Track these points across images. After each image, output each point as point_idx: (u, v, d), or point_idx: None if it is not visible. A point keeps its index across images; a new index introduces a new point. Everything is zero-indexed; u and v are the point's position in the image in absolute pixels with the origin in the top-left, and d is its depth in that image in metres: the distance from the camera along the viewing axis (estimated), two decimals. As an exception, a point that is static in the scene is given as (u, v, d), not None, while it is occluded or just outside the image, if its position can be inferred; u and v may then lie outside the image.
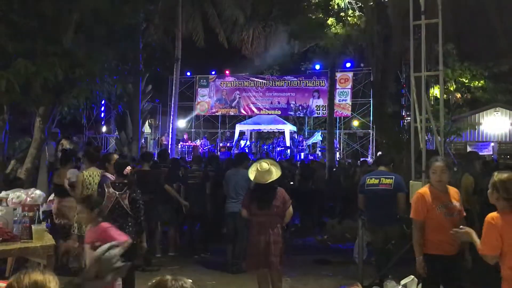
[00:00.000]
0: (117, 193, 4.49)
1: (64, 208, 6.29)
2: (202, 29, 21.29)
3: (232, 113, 23.24)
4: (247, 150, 19.15)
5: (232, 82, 22.95)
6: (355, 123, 23.14)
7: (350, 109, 21.20)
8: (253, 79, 22.68)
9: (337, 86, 20.52)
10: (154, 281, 1.85)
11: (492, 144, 18.55)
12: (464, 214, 4.16)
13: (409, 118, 9.55)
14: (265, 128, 21.84)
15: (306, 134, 22.16)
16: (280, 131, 21.17)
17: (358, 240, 6.35)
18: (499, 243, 2.97)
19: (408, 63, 6.52)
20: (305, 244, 8.90)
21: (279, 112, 22.02)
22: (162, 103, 23.18)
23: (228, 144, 20.76)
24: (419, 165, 5.92)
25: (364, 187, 6.04)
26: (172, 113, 19.96)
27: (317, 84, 21.67)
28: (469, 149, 17.50)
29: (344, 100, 21.08)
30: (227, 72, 23.21)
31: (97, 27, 7.26)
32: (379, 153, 14.11)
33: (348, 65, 21.25)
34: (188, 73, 23.46)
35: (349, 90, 21.14)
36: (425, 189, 4.17)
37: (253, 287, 5.19)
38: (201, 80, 23.25)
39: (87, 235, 4.07)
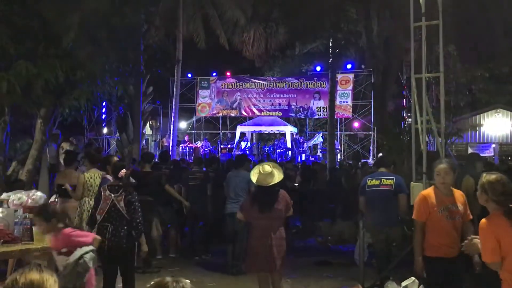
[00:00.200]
0: (113, 195, 4.49)
1: (68, 209, 6.28)
2: (203, 31, 21.31)
3: (233, 115, 23.25)
4: (247, 152, 19.16)
5: (233, 83, 22.96)
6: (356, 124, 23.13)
7: (351, 110, 21.21)
8: (254, 80, 22.69)
9: (338, 88, 20.52)
10: (153, 282, 1.84)
11: (493, 145, 18.53)
12: (471, 217, 4.12)
13: (410, 120, 9.55)
14: (266, 129, 21.85)
15: (307, 135, 22.16)
16: (281, 132, 21.18)
17: (359, 242, 6.34)
18: (498, 248, 2.86)
19: (409, 64, 6.53)
20: (305, 246, 8.89)
21: (280, 114, 22.03)
22: (163, 105, 23.20)
23: (229, 146, 20.76)
24: (420, 166, 5.92)
25: (365, 188, 6.04)
26: (173, 115, 19.98)
27: (318, 86, 21.68)
28: (470, 150, 17.47)
29: (345, 101, 21.08)
30: (228, 73, 23.23)
31: (98, 28, 7.27)
32: (380, 154, 14.11)
33: (349, 66, 21.27)
34: (189, 75, 23.48)
35: (350, 91, 21.15)
36: (428, 191, 4.17)
37: (253, 289, 5.19)
38: (202, 82, 23.27)
39: (52, 242, 3.99)
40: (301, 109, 21.78)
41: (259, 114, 22.27)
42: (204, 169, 8.25)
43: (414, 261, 4.17)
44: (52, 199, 6.89)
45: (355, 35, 16.95)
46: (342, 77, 21.00)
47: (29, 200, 4.80)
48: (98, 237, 4.19)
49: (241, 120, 22.91)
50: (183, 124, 23.86)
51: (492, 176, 3.03)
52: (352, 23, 15.70)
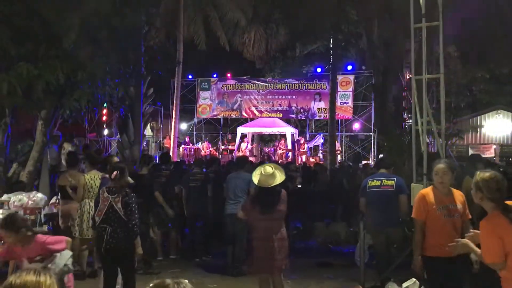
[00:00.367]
0: (111, 197, 4.49)
1: (71, 210, 6.29)
2: (203, 32, 21.34)
3: (233, 116, 23.26)
4: (248, 153, 19.16)
5: (234, 85, 22.97)
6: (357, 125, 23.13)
7: (351, 111, 21.21)
8: (255, 82, 22.69)
9: (339, 89, 20.52)
10: (152, 284, 1.82)
11: (494, 146, 18.52)
12: (470, 217, 4.14)
13: (410, 121, 9.55)
14: (266, 131, 21.86)
15: (307, 136, 22.15)
16: (282, 133, 21.18)
17: (359, 243, 6.34)
18: (501, 248, 2.82)
19: (409, 65, 6.53)
20: (306, 247, 8.88)
21: (281, 115, 22.03)
22: (164, 106, 23.21)
23: (229, 147, 20.77)
24: (420, 167, 5.92)
25: (365, 189, 6.06)
26: (173, 116, 19.99)
27: (318, 87, 21.67)
28: (471, 151, 17.48)
29: (345, 102, 21.08)
30: (228, 75, 23.23)
31: (99, 30, 7.28)
32: (381, 155, 14.10)
33: (349, 67, 21.27)
34: (190, 76, 23.49)
35: (351, 92, 21.14)
36: (427, 190, 4.22)
37: (254, 290, 5.18)
38: (203, 83, 23.28)
39: (23, 251, 3.82)
40: (301, 110, 21.78)
41: (259, 115, 22.28)
42: (204, 170, 8.26)
43: (413, 260, 4.19)
44: (53, 200, 6.90)
45: (356, 36, 16.98)
46: (342, 78, 21.00)
47: (30, 202, 4.81)
48: (69, 239, 4.20)
49: (242, 122, 22.91)
50: (183, 126, 23.87)
51: (486, 174, 3.01)
52: (352, 24, 15.74)
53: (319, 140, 21.40)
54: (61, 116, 8.10)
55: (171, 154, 17.75)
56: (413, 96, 6.01)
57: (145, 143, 19.18)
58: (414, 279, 5.01)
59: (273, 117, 21.85)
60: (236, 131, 21.43)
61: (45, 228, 5.02)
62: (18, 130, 9.87)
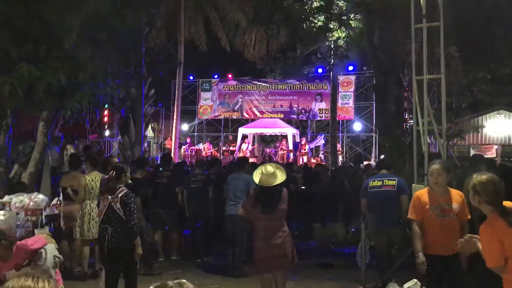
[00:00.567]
0: (110, 197, 4.50)
1: (73, 212, 6.30)
2: (204, 33, 21.36)
3: (234, 117, 23.27)
4: (248, 154, 19.16)
5: (235, 85, 22.98)
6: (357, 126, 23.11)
7: (352, 112, 21.20)
8: (256, 82, 22.70)
9: (340, 90, 20.53)
10: (152, 287, 1.80)
11: (496, 146, 18.49)
12: (469, 217, 4.14)
13: (412, 121, 9.55)
14: (267, 131, 21.86)
15: (309, 137, 22.15)
16: (283, 134, 21.18)
17: (360, 244, 6.34)
18: (501, 251, 2.80)
19: (410, 66, 6.53)
20: (307, 248, 8.87)
21: (282, 116, 22.03)
22: (165, 107, 23.23)
23: (231, 148, 20.78)
24: (421, 168, 5.92)
25: (367, 190, 6.07)
26: (175, 117, 20.00)
27: (319, 88, 21.67)
28: (472, 152, 17.46)
29: (346, 103, 21.07)
30: (229, 75, 23.25)
31: (100, 31, 7.28)
32: (382, 156, 14.08)
33: (350, 68, 21.25)
34: (191, 77, 23.51)
35: (352, 93, 21.13)
36: (422, 191, 4.30)
37: (255, 291, 5.18)
38: (204, 84, 23.29)
39: (6, 265, 3.65)
40: (302, 111, 21.78)
41: (260, 116, 22.29)
42: (205, 171, 8.27)
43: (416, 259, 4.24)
44: (54, 201, 6.90)
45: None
46: (343, 79, 21.00)
47: (31, 203, 4.81)
48: (45, 234, 4.18)
49: (243, 122, 22.92)
50: (185, 127, 23.88)
51: (483, 177, 2.96)
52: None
53: (320, 141, 21.40)
54: (63, 117, 8.10)
55: (172, 155, 17.78)
56: (414, 96, 6.01)
57: (146, 144, 19.19)
58: (415, 280, 5.00)
59: (274, 117, 21.86)
60: (237, 132, 21.43)
61: (47, 229, 5.01)
62: (20, 131, 9.88)
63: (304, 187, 10.85)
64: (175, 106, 20.03)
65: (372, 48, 12.72)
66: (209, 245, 7.94)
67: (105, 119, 20.34)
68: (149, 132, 21.49)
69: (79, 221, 6.12)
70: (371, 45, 12.78)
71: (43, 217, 5.05)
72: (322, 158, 20.13)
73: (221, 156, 19.68)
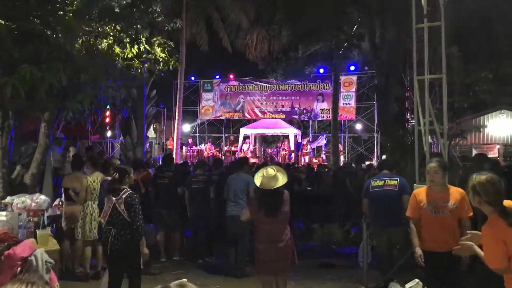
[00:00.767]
0: (114, 198, 4.50)
1: (75, 212, 6.31)
2: (206, 34, 21.38)
3: (236, 117, 23.29)
4: (250, 154, 19.17)
5: (236, 86, 23.00)
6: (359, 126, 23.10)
7: (354, 112, 21.18)
8: (257, 83, 22.71)
9: (341, 90, 20.52)
10: None
11: (498, 146, 18.47)
12: (469, 215, 4.15)
13: (413, 121, 9.54)
14: (269, 132, 21.87)
15: (310, 137, 22.15)
16: (285, 135, 21.18)
17: (362, 244, 6.34)
18: (505, 252, 2.79)
19: (412, 65, 6.52)
20: (309, 248, 8.87)
21: (283, 116, 22.03)
22: (167, 108, 23.26)
23: (232, 148, 20.79)
24: (423, 168, 5.91)
25: (368, 190, 6.07)
26: (176, 118, 20.02)
27: (321, 88, 21.67)
28: (474, 151, 17.44)
29: (348, 103, 21.06)
30: (231, 76, 23.27)
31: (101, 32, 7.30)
32: (384, 156, 14.07)
33: (352, 68, 21.26)
34: (192, 78, 23.54)
35: (354, 93, 21.12)
36: (421, 189, 4.40)
37: (257, 291, 5.18)
38: (205, 85, 23.32)
39: (2, 278, 3.63)
40: (304, 111, 21.77)
41: (262, 116, 22.30)
42: (207, 172, 8.27)
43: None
44: (56, 202, 6.92)
45: (358, 37, 16.97)
46: (345, 79, 20.99)
47: (33, 204, 4.82)
48: (31, 239, 4.19)
49: (245, 123, 22.93)
50: (186, 127, 23.90)
51: (482, 177, 2.96)
52: (355, 25, 15.73)
53: (322, 141, 21.40)
54: (64, 118, 8.11)
55: (174, 155, 17.80)
56: (416, 96, 6.00)
57: (148, 144, 19.21)
58: (417, 280, 5.01)
59: (276, 118, 21.87)
60: (239, 132, 21.45)
61: (49, 230, 5.03)
62: (22, 132, 9.90)
63: (309, 188, 10.86)
64: (177, 106, 20.05)
65: (374, 48, 12.71)
66: (211, 246, 7.95)
67: (107, 120, 20.38)
68: (151, 133, 21.52)
69: (81, 222, 6.14)
70: (372, 45, 12.77)
71: (45, 218, 5.06)
72: (324, 158, 20.13)
73: (223, 157, 19.69)
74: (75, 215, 6.29)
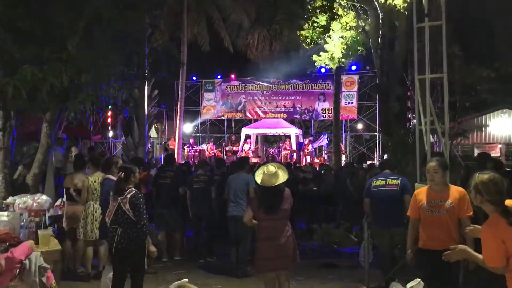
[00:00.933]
0: (119, 198, 4.51)
1: (76, 212, 6.32)
2: (207, 34, 21.41)
3: (238, 117, 23.30)
4: (251, 154, 19.17)
5: (238, 86, 23.01)
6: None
7: (356, 111, 21.18)
8: (259, 82, 22.72)
9: (343, 89, 20.51)
10: None
11: (500, 145, 18.43)
12: (468, 214, 4.16)
13: (415, 121, 9.53)
14: (271, 131, 21.87)
15: (312, 137, 22.14)
16: (286, 134, 21.18)
17: (363, 243, 6.33)
18: (503, 252, 2.80)
19: (413, 65, 6.51)
20: (310, 248, 8.86)
21: (285, 116, 22.04)
22: (168, 108, 23.29)
23: (234, 148, 20.80)
24: (424, 167, 5.90)
25: (370, 189, 6.07)
26: (178, 118, 20.03)
27: (322, 87, 21.67)
28: (476, 151, 17.41)
29: (350, 103, 21.05)
30: (232, 76, 23.28)
31: (103, 32, 7.30)
32: (385, 156, 14.04)
33: (353, 67, 21.21)
34: (194, 78, 23.56)
35: (355, 92, 21.12)
36: (422, 189, 4.45)
37: (259, 291, 5.18)
38: (207, 85, 23.34)
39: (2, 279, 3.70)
40: (306, 111, 21.78)
41: (264, 116, 22.31)
42: (209, 172, 8.27)
43: (421, 262, 4.43)
44: (58, 202, 6.93)
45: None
46: (347, 79, 20.98)
47: (34, 204, 4.83)
48: (31, 241, 4.20)
49: (246, 123, 22.94)
50: (188, 127, 23.92)
51: (485, 176, 2.96)
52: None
53: (323, 141, 21.39)
54: (66, 119, 8.13)
55: (176, 155, 17.82)
56: (417, 95, 5.99)
57: (149, 144, 19.24)
58: (418, 280, 4.99)
59: (277, 117, 21.88)
60: (240, 132, 21.46)
61: (50, 230, 5.04)
62: (24, 133, 9.92)
63: (315, 188, 10.85)
64: (179, 106, 20.08)
65: (375, 48, 12.69)
66: (212, 246, 7.95)
67: (109, 120, 20.41)
68: (153, 133, 21.55)
69: (82, 222, 6.14)
70: (373, 44, 12.75)
71: (47, 218, 5.07)
72: (326, 158, 20.12)
73: (225, 157, 19.71)
74: (76, 215, 6.30)
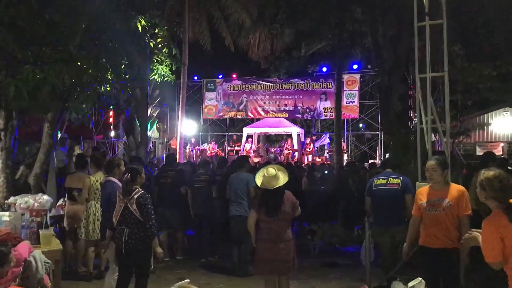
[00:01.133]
0: (126, 198, 4.51)
1: (77, 212, 6.33)
2: (208, 33, 21.41)
3: (239, 117, 23.30)
4: (252, 153, 19.16)
5: (239, 85, 23.01)
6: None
7: (357, 111, 21.15)
8: (260, 82, 22.72)
9: (345, 88, 20.49)
10: None
11: (502, 144, 18.40)
12: (467, 213, 4.18)
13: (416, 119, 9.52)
14: (272, 131, 21.86)
15: (313, 136, 22.13)
16: (288, 133, 21.17)
17: (365, 242, 6.33)
18: (501, 248, 2.84)
19: (414, 63, 6.51)
20: (312, 247, 8.85)
21: (287, 115, 22.03)
22: (170, 108, 23.29)
23: (235, 148, 20.80)
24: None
25: (371, 188, 6.06)
26: (179, 117, 20.05)
27: (324, 86, 21.65)
28: (478, 149, 17.40)
29: (351, 102, 21.03)
30: (234, 75, 23.28)
31: (104, 33, 7.31)
32: (387, 155, 14.04)
33: (355, 67, 21.23)
34: (195, 77, 23.55)
35: (357, 92, 21.10)
36: (424, 188, 4.48)
37: (260, 291, 5.18)
38: (208, 84, 23.34)
39: (4, 280, 3.58)
40: (307, 110, 21.76)
41: (265, 115, 22.31)
42: (210, 171, 8.27)
43: (422, 262, 4.46)
44: (60, 202, 6.95)
45: (361, 35, 16.94)
46: (348, 78, 20.96)
47: (36, 204, 4.84)
48: (27, 241, 4.22)
49: (248, 122, 22.94)
50: (189, 127, 23.93)
51: (490, 173, 3.00)
52: (357, 22, 15.69)
53: (325, 140, 21.37)
54: (68, 119, 8.15)
55: (177, 155, 17.82)
56: (417, 94, 5.99)
57: (151, 144, 19.26)
58: (420, 278, 5.00)
59: (279, 117, 21.87)
60: (242, 132, 21.45)
61: (52, 230, 5.05)
62: (26, 133, 9.95)
63: (323, 187, 10.84)
64: (180, 106, 20.08)
65: (376, 46, 12.67)
66: (214, 245, 7.95)
67: (110, 120, 20.44)
68: (154, 133, 21.58)
69: (84, 222, 6.15)
70: (374, 43, 12.73)
71: (48, 217, 5.08)
72: (327, 157, 20.10)
73: (226, 156, 19.71)
74: (77, 215, 6.31)
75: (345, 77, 20.56)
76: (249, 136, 20.97)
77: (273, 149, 21.06)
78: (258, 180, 4.68)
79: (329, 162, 17.60)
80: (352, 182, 10.11)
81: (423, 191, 4.45)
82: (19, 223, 4.58)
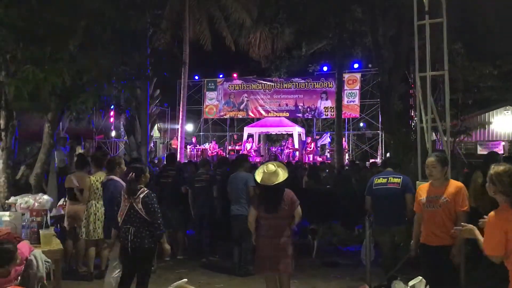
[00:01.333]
0: (131, 197, 4.51)
1: (78, 212, 6.34)
2: (209, 33, 21.42)
3: (240, 116, 23.31)
4: (253, 153, 19.16)
5: (240, 85, 23.01)
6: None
7: (358, 110, 21.15)
8: (261, 81, 22.72)
9: (345, 87, 20.49)
10: None
11: (503, 143, 18.39)
12: (463, 209, 4.19)
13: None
14: (273, 130, 21.86)
15: (314, 135, 22.13)
16: (289, 133, 21.17)
17: (365, 242, 6.33)
18: (503, 242, 2.87)
19: (414, 62, 6.50)
20: (312, 246, 8.85)
21: (287, 114, 22.03)
22: (171, 107, 23.32)
23: (236, 147, 20.80)
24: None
25: (372, 187, 6.06)
26: (180, 117, 20.05)
27: (325, 86, 21.65)
28: (479, 148, 17.39)
29: (352, 101, 21.03)
30: (234, 75, 23.29)
31: (104, 33, 7.31)
32: (388, 154, 14.03)
33: (356, 66, 21.23)
34: (196, 77, 23.57)
35: (357, 91, 21.09)
36: (424, 185, 4.54)
37: (260, 290, 5.19)
38: (209, 84, 23.35)
39: (7, 280, 3.59)
40: (308, 109, 21.77)
41: (266, 115, 22.31)
42: (211, 171, 8.27)
43: (423, 261, 4.51)
44: (60, 202, 6.96)
45: (361, 35, 16.93)
46: (349, 77, 20.96)
47: (36, 204, 4.84)
48: (27, 241, 4.24)
49: (248, 122, 22.95)
50: (190, 126, 23.95)
51: (500, 168, 3.03)
52: (357, 22, 15.67)
53: (326, 139, 21.37)
54: (69, 119, 8.16)
55: (178, 155, 17.84)
56: (418, 93, 5.98)
57: (152, 144, 19.27)
58: (420, 277, 4.98)
59: (279, 116, 21.87)
60: (243, 131, 21.46)
61: (52, 230, 5.05)
62: (26, 133, 9.97)
63: (328, 186, 10.84)
64: (181, 106, 20.09)
65: (376, 46, 12.67)
66: (214, 245, 7.96)
67: (111, 120, 20.46)
68: (155, 133, 21.58)
69: (85, 221, 6.16)
70: (374, 43, 12.72)
71: (48, 217, 5.09)
72: (328, 156, 20.10)
73: (227, 156, 19.72)
74: (77, 215, 6.31)
75: (346, 76, 20.56)
76: (250, 135, 20.97)
77: (274, 149, 21.09)
78: (258, 176, 4.68)
79: (329, 162, 17.59)
80: (355, 181, 10.10)
81: (423, 187, 4.48)
82: (19, 223, 4.59)
